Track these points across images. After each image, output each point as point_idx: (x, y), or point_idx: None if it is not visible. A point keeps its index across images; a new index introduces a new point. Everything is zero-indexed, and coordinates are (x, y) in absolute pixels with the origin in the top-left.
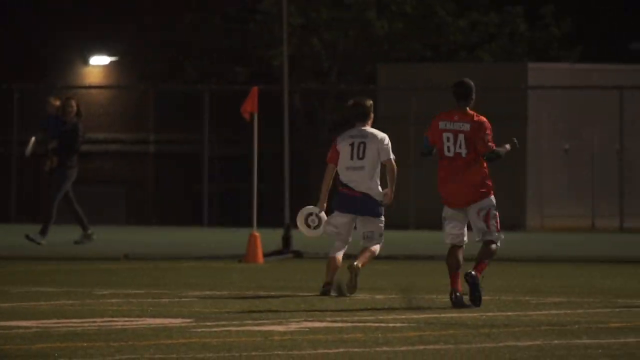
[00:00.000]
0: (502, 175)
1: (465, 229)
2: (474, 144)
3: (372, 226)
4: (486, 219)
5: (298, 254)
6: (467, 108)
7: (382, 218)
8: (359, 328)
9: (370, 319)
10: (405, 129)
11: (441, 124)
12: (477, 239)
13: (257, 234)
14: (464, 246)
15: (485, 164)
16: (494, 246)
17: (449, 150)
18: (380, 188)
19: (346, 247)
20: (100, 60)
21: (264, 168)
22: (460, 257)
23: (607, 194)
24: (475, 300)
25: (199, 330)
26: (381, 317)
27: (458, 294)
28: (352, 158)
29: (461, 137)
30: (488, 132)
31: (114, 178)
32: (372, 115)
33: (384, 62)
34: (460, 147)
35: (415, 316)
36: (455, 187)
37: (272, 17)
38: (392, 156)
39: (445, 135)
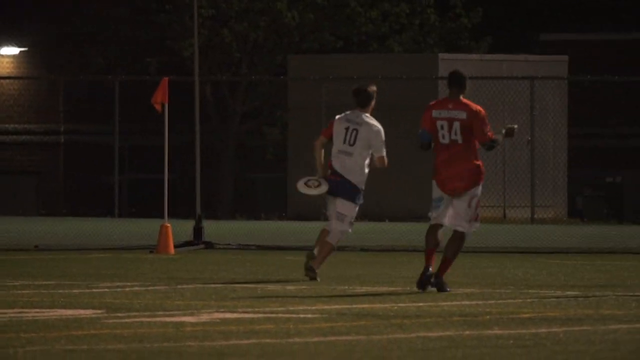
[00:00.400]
0: (416, 167)
1: (450, 210)
2: (471, 132)
3: (345, 209)
4: (475, 207)
5: (209, 245)
6: (461, 97)
7: (357, 205)
8: (270, 319)
9: (282, 310)
10: (316, 120)
11: (434, 113)
12: (455, 227)
13: (168, 224)
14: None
15: (477, 149)
16: (462, 238)
17: (443, 138)
18: (364, 175)
19: None
20: (9, 51)
21: (175, 159)
22: (439, 236)
23: (518, 185)
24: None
25: (110, 321)
26: (292, 308)
27: (428, 272)
28: (344, 142)
29: (457, 124)
30: (486, 121)
31: (25, 169)
32: (373, 102)
33: (295, 53)
34: (455, 134)
35: (327, 307)
36: (452, 174)
37: (183, 8)
38: (384, 153)
39: (439, 123)
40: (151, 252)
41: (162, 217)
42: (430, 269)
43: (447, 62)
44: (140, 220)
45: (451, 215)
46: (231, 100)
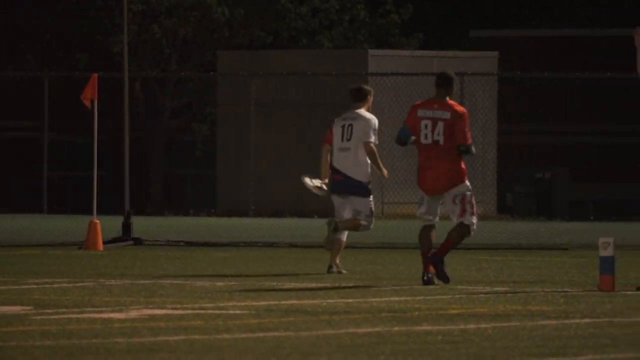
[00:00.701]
0: None
1: (438, 209)
2: (453, 132)
3: (359, 205)
4: (462, 202)
5: (138, 241)
6: (447, 98)
7: (370, 198)
8: (199, 315)
9: (211, 306)
10: (245, 116)
11: (420, 112)
12: (458, 220)
13: (97, 221)
14: (436, 226)
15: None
16: (467, 229)
17: (426, 138)
18: (367, 170)
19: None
20: None
21: (104, 155)
22: (433, 237)
23: None
24: (443, 278)
25: (39, 317)
26: (221, 305)
27: (430, 275)
28: (342, 140)
29: (440, 125)
30: (468, 124)
31: None
32: (369, 98)
33: (225, 49)
34: (438, 134)
35: (255, 303)
36: (432, 174)
37: (112, 4)
38: (371, 139)
39: (423, 122)
40: (80, 248)
41: (91, 213)
42: (430, 274)
43: (377, 58)
44: (69, 217)
45: (450, 216)
46: (161, 97)
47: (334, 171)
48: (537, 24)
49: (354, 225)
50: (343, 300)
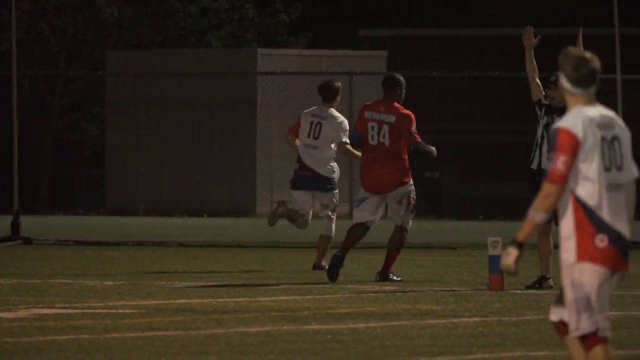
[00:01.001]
0: (232, 161)
1: (378, 211)
2: (399, 135)
3: (325, 199)
4: (408, 203)
5: (27, 240)
6: (395, 102)
7: (334, 193)
8: (88, 314)
9: (100, 305)
10: (134, 116)
11: (367, 114)
12: (395, 222)
13: None
14: (371, 228)
15: (406, 156)
16: (404, 233)
17: (372, 139)
18: (333, 165)
19: (308, 223)
20: None
21: None
22: (362, 233)
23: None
24: (331, 276)
25: None
26: (110, 304)
27: (338, 257)
28: (308, 136)
29: (385, 128)
30: (414, 124)
31: None
32: (338, 97)
33: (113, 48)
34: (383, 137)
35: (145, 302)
36: (375, 175)
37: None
38: (344, 139)
39: (370, 124)
40: None
41: None
42: (340, 255)
43: (266, 57)
44: None
45: (389, 213)
46: (49, 95)
47: (302, 167)
48: (426, 23)
49: (293, 217)
50: (232, 299)
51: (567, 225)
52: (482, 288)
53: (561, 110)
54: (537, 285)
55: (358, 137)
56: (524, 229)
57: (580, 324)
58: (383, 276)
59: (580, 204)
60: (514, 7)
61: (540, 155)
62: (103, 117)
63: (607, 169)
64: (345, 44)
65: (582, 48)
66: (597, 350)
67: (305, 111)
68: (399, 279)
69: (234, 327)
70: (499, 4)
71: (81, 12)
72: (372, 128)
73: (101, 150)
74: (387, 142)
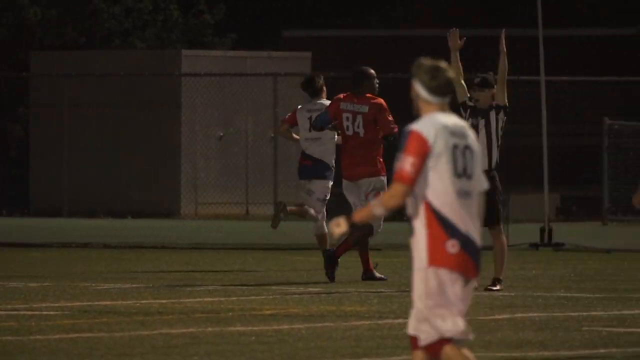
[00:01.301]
0: (156, 162)
1: (359, 197)
2: (374, 125)
3: (315, 186)
4: (376, 197)
5: None
6: (367, 94)
7: (328, 182)
8: (12, 316)
9: (24, 307)
10: (58, 117)
11: (342, 105)
12: None
13: None
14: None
15: (382, 145)
16: (371, 229)
17: (348, 129)
18: (334, 153)
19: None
20: None
21: None
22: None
23: (261, 182)
24: (330, 277)
25: None
26: (35, 305)
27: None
28: (310, 130)
29: (359, 118)
30: (387, 113)
31: None
32: (324, 89)
33: (37, 49)
34: (358, 127)
35: (69, 304)
36: (352, 160)
37: None
38: None
39: (345, 115)
40: None
41: None
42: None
43: (190, 58)
44: None
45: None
46: None
47: (305, 156)
48: (350, 24)
49: (300, 213)
50: (157, 300)
51: (419, 230)
52: (407, 289)
53: (486, 112)
54: None
55: (325, 120)
56: (362, 213)
57: (426, 331)
58: (366, 275)
59: (431, 209)
60: (438, 8)
61: None
62: (27, 118)
63: (458, 175)
64: (270, 45)
65: (505, 49)
66: (448, 350)
67: (299, 107)
68: (380, 277)
69: (158, 329)
70: (423, 5)
71: (5, 13)
72: (347, 119)
73: (26, 151)
74: (361, 132)
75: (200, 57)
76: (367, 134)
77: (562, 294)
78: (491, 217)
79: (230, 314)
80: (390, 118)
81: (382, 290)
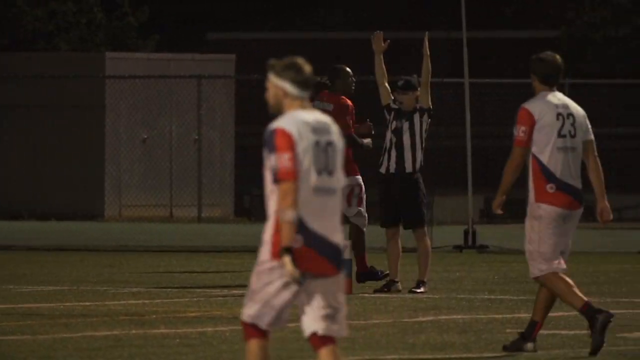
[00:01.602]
0: (80, 165)
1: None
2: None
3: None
4: (348, 196)
5: None
6: (339, 92)
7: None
8: None
9: None
10: None
11: (315, 103)
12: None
13: None
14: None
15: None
16: (360, 234)
17: None
18: None
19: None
20: None
21: None
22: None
23: (185, 184)
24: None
25: None
26: None
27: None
28: None
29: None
30: (348, 116)
31: None
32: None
33: None
34: None
35: None
36: None
37: None
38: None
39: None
40: None
41: None
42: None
43: (114, 61)
44: None
45: None
46: None
47: None
48: (275, 27)
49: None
50: (80, 303)
51: (269, 228)
52: None
53: (410, 114)
54: (385, 289)
55: None
56: (284, 233)
57: (259, 322)
58: (363, 276)
59: None
60: (363, 11)
61: (389, 159)
62: None
63: (318, 172)
64: (194, 48)
65: (428, 52)
66: (323, 352)
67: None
68: (382, 274)
69: (82, 331)
70: (348, 8)
71: None
72: None
73: None
74: None
75: (124, 60)
76: None
77: (486, 296)
78: (415, 220)
79: (154, 316)
80: (349, 121)
81: None
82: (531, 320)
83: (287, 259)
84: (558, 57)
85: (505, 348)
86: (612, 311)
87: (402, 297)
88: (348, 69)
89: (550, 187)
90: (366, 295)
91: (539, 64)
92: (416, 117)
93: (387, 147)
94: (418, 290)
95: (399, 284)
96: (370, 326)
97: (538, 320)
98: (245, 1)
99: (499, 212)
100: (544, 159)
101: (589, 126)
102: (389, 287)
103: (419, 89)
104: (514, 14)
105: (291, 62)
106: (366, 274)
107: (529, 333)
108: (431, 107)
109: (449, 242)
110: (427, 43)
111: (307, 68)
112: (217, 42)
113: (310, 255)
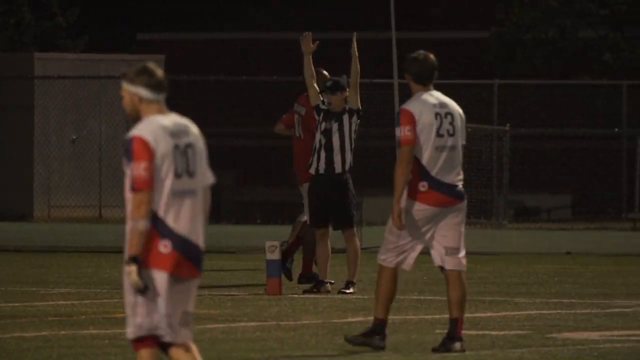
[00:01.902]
0: (8, 165)
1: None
2: (309, 128)
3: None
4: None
5: None
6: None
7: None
8: None
9: None
10: None
11: (295, 106)
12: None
13: None
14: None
15: None
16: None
17: (296, 131)
18: None
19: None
20: None
21: None
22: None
23: (114, 185)
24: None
25: None
26: None
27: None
28: None
29: (299, 119)
30: (312, 120)
31: None
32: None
33: None
34: (299, 129)
35: None
36: (299, 165)
37: None
38: None
39: (295, 115)
40: None
41: None
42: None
43: (43, 61)
44: None
45: None
46: None
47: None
48: (204, 27)
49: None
50: (9, 304)
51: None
52: (260, 292)
53: (339, 115)
54: (314, 290)
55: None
56: (133, 242)
57: (135, 327)
58: (304, 279)
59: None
60: (292, 11)
61: (319, 160)
62: None
63: (178, 175)
64: (124, 48)
65: (357, 53)
66: (144, 353)
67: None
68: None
69: (10, 332)
70: (279, 8)
71: None
72: (296, 120)
73: None
74: (300, 134)
75: (53, 60)
76: (305, 136)
77: (415, 297)
78: (344, 220)
79: (83, 317)
80: (312, 126)
81: (236, 293)
82: (450, 319)
83: (133, 268)
84: (432, 55)
85: (434, 350)
86: (542, 312)
87: (332, 298)
88: (325, 72)
89: (422, 186)
90: (295, 295)
91: (412, 64)
92: (345, 118)
93: (317, 148)
94: (347, 291)
95: (329, 285)
96: (299, 327)
97: (457, 316)
98: (174, 2)
99: (401, 226)
100: (424, 159)
101: (464, 131)
102: (318, 287)
103: (348, 89)
104: (443, 14)
105: (143, 67)
106: (308, 278)
107: (453, 331)
108: (360, 108)
109: (378, 242)
110: (355, 44)
111: (160, 72)
112: (147, 43)
113: (180, 259)
